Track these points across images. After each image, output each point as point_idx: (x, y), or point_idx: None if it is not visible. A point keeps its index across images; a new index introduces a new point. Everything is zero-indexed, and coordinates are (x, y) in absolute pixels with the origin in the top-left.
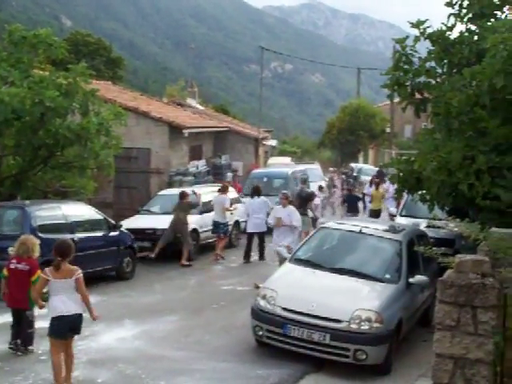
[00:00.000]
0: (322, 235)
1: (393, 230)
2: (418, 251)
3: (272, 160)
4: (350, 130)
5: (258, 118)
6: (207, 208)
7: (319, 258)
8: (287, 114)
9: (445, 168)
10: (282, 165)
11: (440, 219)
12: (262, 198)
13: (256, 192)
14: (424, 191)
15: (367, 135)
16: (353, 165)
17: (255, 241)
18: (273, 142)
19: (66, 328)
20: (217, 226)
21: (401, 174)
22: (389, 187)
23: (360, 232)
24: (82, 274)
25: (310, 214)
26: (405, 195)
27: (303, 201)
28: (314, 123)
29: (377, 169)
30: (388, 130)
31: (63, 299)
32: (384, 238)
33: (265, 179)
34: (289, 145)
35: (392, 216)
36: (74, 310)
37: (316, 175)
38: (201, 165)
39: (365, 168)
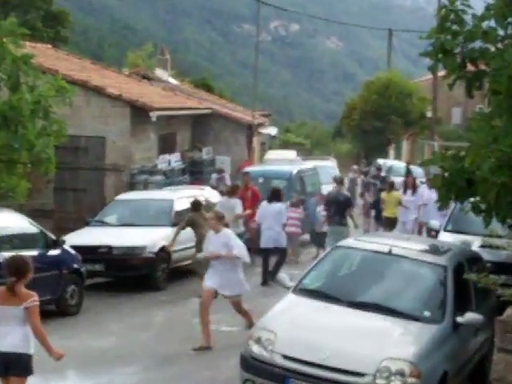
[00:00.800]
0: (336, 257)
1: (434, 250)
2: (470, 280)
3: (271, 154)
4: (377, 113)
5: (253, 98)
6: (181, 219)
7: (333, 288)
8: (292, 92)
9: (507, 166)
10: (284, 161)
11: (499, 236)
12: (280, 204)
13: (275, 196)
14: (477, 198)
15: (401, 121)
16: (380, 161)
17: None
18: (272, 131)
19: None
20: None
21: (446, 175)
22: (424, 192)
23: (389, 253)
24: (37, 302)
25: (351, 223)
26: (451, 204)
27: (340, 207)
28: (329, 105)
29: (415, 168)
30: (429, 114)
31: (3, 331)
32: (422, 262)
33: (260, 180)
34: (294, 134)
35: (433, 231)
36: (12, 346)
37: (331, 174)
38: (174, 160)
39: (396, 166)
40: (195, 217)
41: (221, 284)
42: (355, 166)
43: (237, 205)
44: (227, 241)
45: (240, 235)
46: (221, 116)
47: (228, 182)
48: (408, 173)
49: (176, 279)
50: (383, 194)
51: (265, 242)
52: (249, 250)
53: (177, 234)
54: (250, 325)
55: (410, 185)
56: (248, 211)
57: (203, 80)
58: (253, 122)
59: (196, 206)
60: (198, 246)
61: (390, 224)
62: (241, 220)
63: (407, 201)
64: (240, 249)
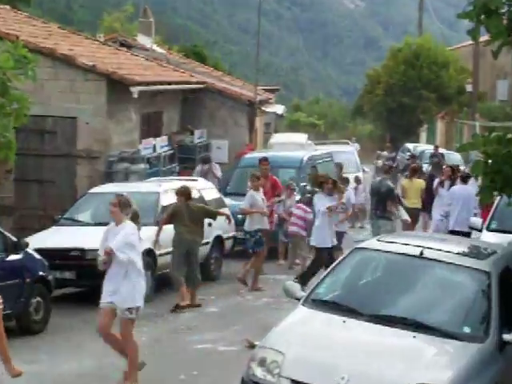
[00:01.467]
0: (356, 261)
1: (476, 253)
2: None
3: (277, 138)
4: (405, 88)
5: (255, 69)
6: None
7: (353, 299)
8: (302, 63)
9: None
10: (292, 146)
11: None
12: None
13: (319, 183)
14: None
15: (434, 97)
16: (409, 146)
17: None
18: (278, 109)
19: None
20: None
21: (489, 162)
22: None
23: (421, 256)
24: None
25: (402, 214)
26: (496, 197)
27: (381, 198)
28: (347, 77)
29: (449, 153)
30: (469, 88)
31: None
32: (461, 267)
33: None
34: (305, 113)
35: (473, 230)
36: None
37: (351, 162)
38: (160, 145)
39: (429, 152)
40: (181, 208)
41: (113, 294)
42: (384, 152)
43: (257, 198)
44: (122, 235)
45: (256, 232)
46: (216, 92)
47: (218, 172)
48: (434, 156)
49: (164, 288)
50: (404, 181)
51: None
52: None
53: (159, 231)
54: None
55: (410, 169)
56: (270, 201)
57: (195, 48)
58: (255, 98)
59: (183, 193)
60: None
61: (411, 216)
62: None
63: (442, 196)
64: (121, 246)
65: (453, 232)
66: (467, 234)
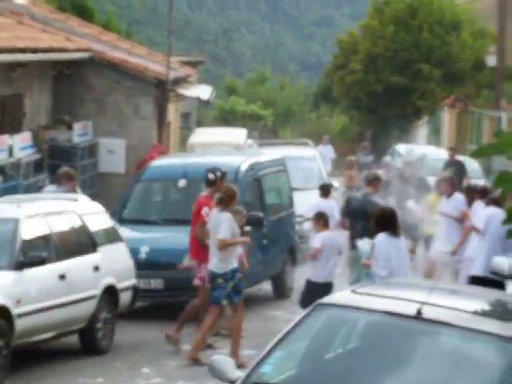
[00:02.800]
0: (321, 325)
1: (502, 312)
2: None
3: (200, 136)
4: (395, 60)
5: (167, 31)
6: (35, 256)
7: (315, 383)
8: (238, 22)
9: None
10: (224, 148)
11: None
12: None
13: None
14: None
15: (440, 74)
16: (401, 147)
17: None
18: (203, 92)
19: None
20: (214, 280)
21: None
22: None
23: (418, 317)
24: None
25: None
26: None
27: (369, 221)
28: (308, 44)
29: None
30: (492, 61)
31: None
32: (480, 334)
33: (181, 183)
34: (243, 98)
35: (498, 275)
36: None
37: (313, 174)
38: (20, 146)
39: (432, 156)
40: None
41: None
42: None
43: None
44: None
45: (227, 274)
46: (108, 65)
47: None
48: (458, 168)
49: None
50: (432, 197)
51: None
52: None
53: None
54: None
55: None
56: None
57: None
58: (167, 75)
59: None
60: None
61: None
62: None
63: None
64: None
65: (477, 280)
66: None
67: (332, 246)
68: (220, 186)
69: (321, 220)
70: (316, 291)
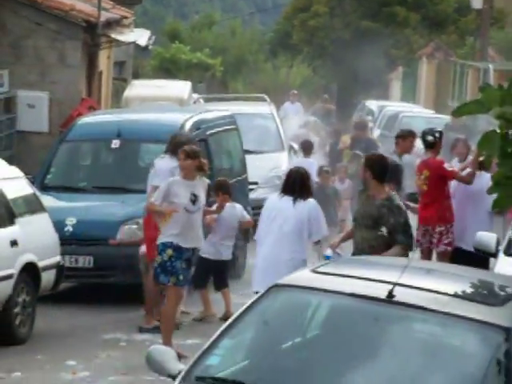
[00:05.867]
0: (276, 309)
1: (485, 295)
2: None
3: (137, 89)
4: (365, 0)
5: None
6: None
7: (270, 377)
8: None
9: None
10: (165, 103)
11: None
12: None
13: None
14: None
15: (417, 18)
16: (372, 103)
17: None
18: (140, 37)
19: None
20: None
21: (511, 134)
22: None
23: (390, 300)
24: None
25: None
26: None
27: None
28: None
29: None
30: (477, 2)
31: None
32: (460, 320)
33: (114, 144)
34: (188, 45)
35: (481, 253)
36: None
37: (270, 134)
38: None
39: (408, 114)
40: None
41: None
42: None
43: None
44: None
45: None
46: (27, 3)
47: None
48: (427, 133)
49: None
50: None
51: None
52: None
53: None
54: None
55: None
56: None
57: None
58: (98, 16)
59: None
60: None
61: None
62: None
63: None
64: None
65: (457, 252)
66: (481, 260)
67: (227, 218)
68: (439, 147)
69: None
70: (205, 269)
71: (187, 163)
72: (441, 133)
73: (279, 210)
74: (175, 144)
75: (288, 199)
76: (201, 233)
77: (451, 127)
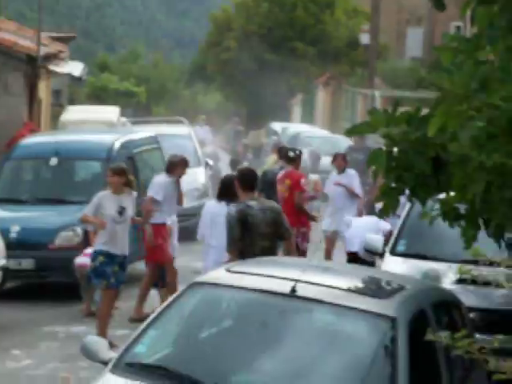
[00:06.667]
0: (196, 303)
1: (375, 289)
2: (438, 343)
3: (72, 113)
4: (269, 38)
5: (37, 5)
6: None
7: (190, 362)
8: None
9: (507, 134)
10: (97, 126)
11: (491, 263)
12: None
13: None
14: (452, 194)
15: (314, 52)
16: (276, 125)
17: None
18: (75, 69)
19: None
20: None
21: (394, 151)
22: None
23: (292, 294)
24: None
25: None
26: (403, 202)
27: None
28: (181, 21)
29: (333, 137)
30: (365, 39)
31: None
32: (353, 311)
33: (52, 161)
34: (116, 75)
35: (371, 253)
36: None
37: (187, 151)
38: None
39: (305, 135)
40: None
41: None
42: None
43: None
44: None
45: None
46: None
47: None
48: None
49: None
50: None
51: None
52: None
53: None
54: None
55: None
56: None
57: None
58: (38, 51)
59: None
60: None
61: None
62: None
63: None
64: None
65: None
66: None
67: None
68: (299, 162)
69: None
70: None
71: (114, 179)
72: (300, 151)
73: (219, 214)
74: (168, 163)
75: (223, 204)
76: (127, 241)
77: (353, 148)
